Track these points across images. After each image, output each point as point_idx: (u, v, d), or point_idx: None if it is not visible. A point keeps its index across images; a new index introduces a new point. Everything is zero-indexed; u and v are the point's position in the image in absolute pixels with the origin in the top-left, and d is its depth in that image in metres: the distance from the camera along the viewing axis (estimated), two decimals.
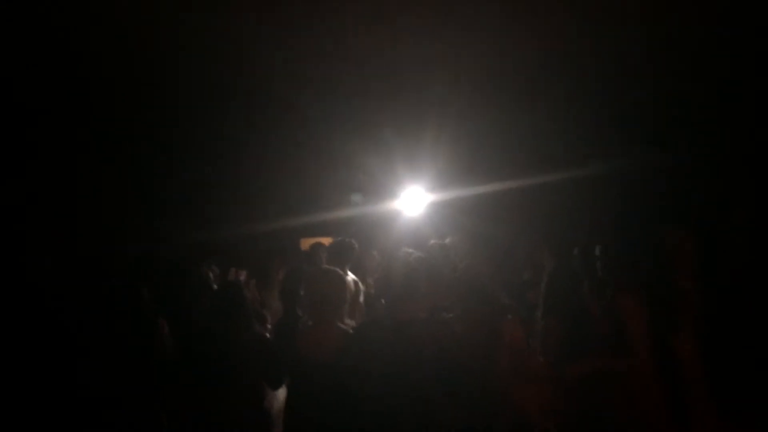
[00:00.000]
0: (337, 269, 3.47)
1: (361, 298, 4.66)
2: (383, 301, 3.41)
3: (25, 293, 3.72)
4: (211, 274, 4.91)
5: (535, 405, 3.62)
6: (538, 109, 7.42)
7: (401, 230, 7.85)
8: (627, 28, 5.75)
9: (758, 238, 4.10)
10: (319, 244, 4.97)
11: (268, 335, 3.53)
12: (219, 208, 8.20)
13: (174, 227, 7.59)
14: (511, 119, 7.66)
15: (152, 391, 3.34)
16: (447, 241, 5.20)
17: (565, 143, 7.81)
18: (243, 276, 5.12)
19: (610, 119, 7.67)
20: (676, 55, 6.22)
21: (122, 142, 7.68)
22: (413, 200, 8.43)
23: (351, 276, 4.53)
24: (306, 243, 7.19)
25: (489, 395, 3.39)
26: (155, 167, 8.11)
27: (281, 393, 3.52)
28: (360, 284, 4.71)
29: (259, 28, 5.65)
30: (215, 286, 4.30)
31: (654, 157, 7.38)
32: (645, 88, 6.98)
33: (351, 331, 3.31)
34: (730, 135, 7.15)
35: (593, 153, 7.54)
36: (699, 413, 3.33)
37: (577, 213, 7.50)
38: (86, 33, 5.27)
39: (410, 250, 3.42)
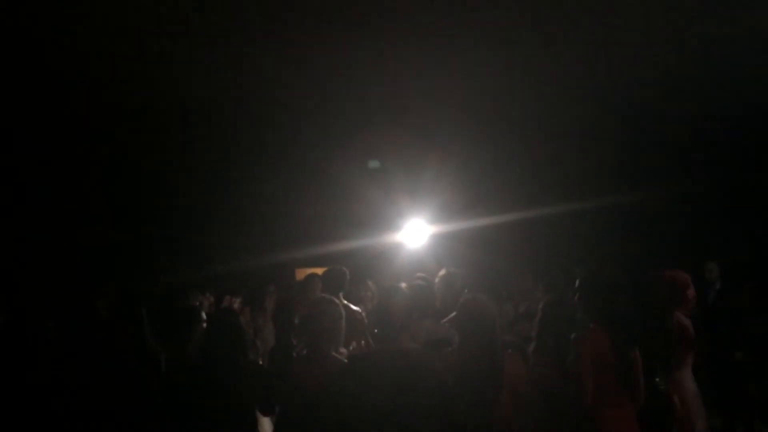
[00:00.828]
0: (333, 298, 3.47)
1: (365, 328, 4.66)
2: (376, 331, 3.39)
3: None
4: (205, 302, 4.91)
5: None
6: (538, 146, 7.51)
7: (402, 262, 7.86)
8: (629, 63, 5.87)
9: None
10: (314, 275, 4.97)
11: (260, 362, 3.51)
12: (216, 238, 8.23)
13: (170, 258, 7.62)
14: (513, 154, 7.74)
15: (148, 417, 3.31)
16: (446, 272, 5.20)
17: (565, 179, 7.88)
18: (237, 303, 5.11)
19: (616, 156, 7.74)
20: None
21: (112, 172, 7.72)
22: (414, 232, 8.45)
23: (354, 307, 4.53)
24: (301, 273, 7.20)
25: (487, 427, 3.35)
26: (151, 198, 8.16)
27: (270, 422, 3.50)
28: (362, 313, 4.70)
29: (260, 59, 5.74)
30: (206, 314, 4.28)
31: (654, 193, 7.43)
32: (640, 130, 7.09)
33: (345, 360, 3.29)
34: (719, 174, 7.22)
35: (592, 188, 7.61)
36: None
37: (573, 247, 7.53)
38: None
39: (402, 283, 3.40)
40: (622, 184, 7.67)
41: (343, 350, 3.38)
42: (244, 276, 6.56)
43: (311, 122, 7.14)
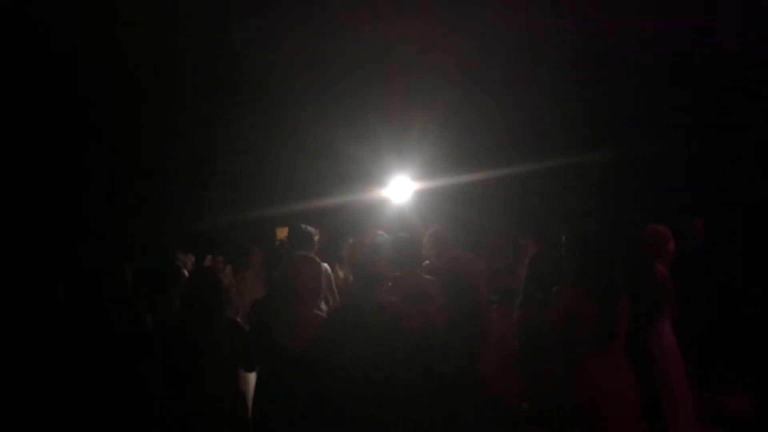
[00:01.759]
0: (312, 255, 3.43)
1: (333, 286, 4.65)
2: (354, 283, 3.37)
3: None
4: (188, 261, 4.86)
5: (515, 392, 3.60)
6: (524, 98, 7.42)
7: (386, 218, 7.81)
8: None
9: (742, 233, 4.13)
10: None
11: (239, 320, 3.49)
12: (198, 195, 8.14)
13: (153, 219, 7.54)
14: (498, 108, 7.65)
15: (131, 373, 3.30)
16: (435, 229, 5.17)
17: (549, 133, 7.83)
18: (219, 262, 5.06)
19: (598, 110, 7.68)
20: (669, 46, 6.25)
21: (97, 131, 7.60)
22: (399, 188, 8.40)
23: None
24: (281, 232, 7.14)
25: (471, 386, 3.35)
26: (134, 158, 8.03)
27: (253, 377, 3.49)
28: (329, 270, 4.68)
29: (248, 12, 5.60)
30: (188, 273, 4.24)
31: (639, 149, 7.41)
32: (631, 79, 7.00)
33: (326, 316, 3.28)
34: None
35: (576, 143, 7.56)
36: (675, 405, 3.32)
37: (562, 202, 7.52)
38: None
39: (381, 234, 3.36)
40: (610, 138, 7.62)
41: (323, 306, 3.36)
42: (226, 234, 6.50)
43: (296, 77, 7.01)
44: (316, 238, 4.62)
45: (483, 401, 3.33)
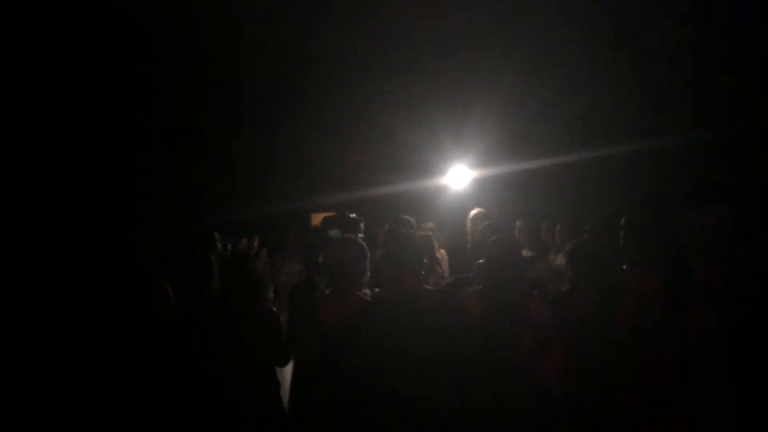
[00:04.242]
0: (357, 238, 3.52)
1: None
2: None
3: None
4: (220, 246, 4.95)
5: (553, 379, 3.63)
6: (580, 88, 7.30)
7: (445, 205, 7.85)
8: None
9: None
10: (334, 216, 4.98)
11: (274, 308, 3.56)
12: (252, 181, 8.33)
13: (191, 204, 7.74)
14: (559, 96, 7.55)
15: (165, 365, 3.36)
16: (476, 213, 5.29)
17: (607, 121, 7.66)
18: (255, 243, 5.14)
19: (652, 98, 7.47)
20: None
21: (134, 113, 7.81)
22: (458, 176, 8.42)
23: None
24: (315, 218, 7.21)
25: (508, 372, 3.40)
26: (176, 145, 8.25)
27: (289, 368, 3.59)
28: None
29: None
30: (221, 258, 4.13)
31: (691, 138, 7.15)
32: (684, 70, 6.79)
33: (368, 299, 3.35)
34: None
35: (642, 130, 7.37)
36: (705, 396, 3.28)
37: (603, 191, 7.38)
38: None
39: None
40: (674, 126, 7.40)
41: (366, 291, 3.44)
42: (275, 220, 6.61)
43: (352, 63, 7.10)
44: (362, 225, 4.73)
45: (519, 388, 3.39)
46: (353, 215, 4.64)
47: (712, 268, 3.63)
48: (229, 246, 5.13)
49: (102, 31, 6.12)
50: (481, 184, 8.35)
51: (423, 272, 3.34)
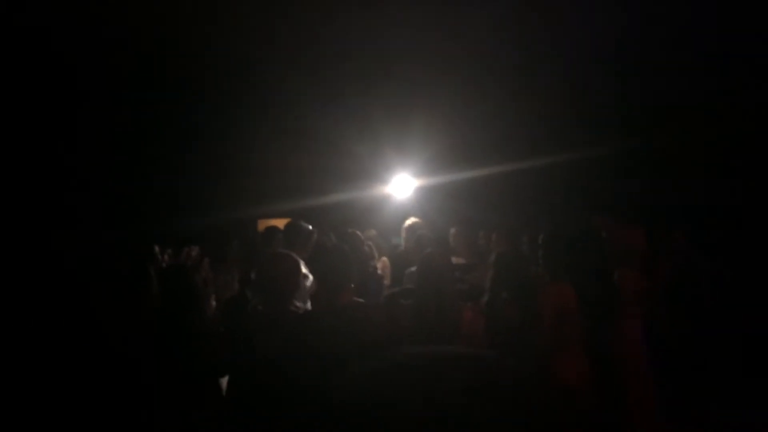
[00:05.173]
0: (291, 253, 3.52)
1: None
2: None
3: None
4: (165, 257, 4.92)
5: None
6: (526, 98, 7.48)
7: (388, 215, 7.94)
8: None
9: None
10: (274, 227, 4.95)
11: (212, 320, 3.56)
12: (193, 193, 8.26)
13: (131, 213, 7.62)
14: (500, 106, 7.71)
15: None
16: (410, 224, 5.41)
17: (553, 131, 7.87)
18: (195, 252, 5.10)
19: (604, 107, 7.70)
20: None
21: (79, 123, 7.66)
22: (401, 185, 8.52)
23: None
24: (263, 224, 7.16)
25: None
26: (116, 151, 8.10)
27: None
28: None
29: (245, 7, 5.71)
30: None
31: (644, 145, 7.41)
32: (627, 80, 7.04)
33: (300, 314, 3.35)
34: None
35: (581, 140, 7.58)
36: (637, 407, 3.41)
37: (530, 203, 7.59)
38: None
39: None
40: (611, 136, 7.64)
41: (299, 304, 3.46)
42: (217, 230, 6.57)
43: (292, 71, 7.11)
44: (314, 237, 4.56)
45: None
46: (306, 225, 4.53)
47: (641, 277, 3.80)
48: (166, 257, 5.08)
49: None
50: (423, 193, 8.46)
51: (352, 285, 3.37)
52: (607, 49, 6.70)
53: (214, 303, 4.32)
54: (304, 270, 3.49)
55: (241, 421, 3.31)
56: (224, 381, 3.61)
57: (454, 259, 4.85)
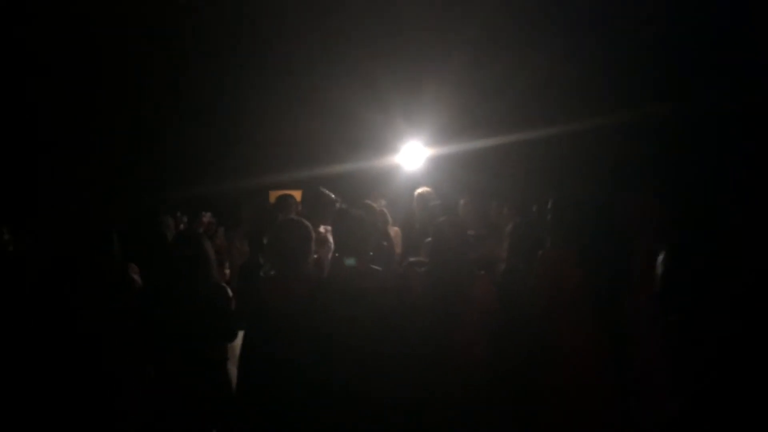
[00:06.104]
0: (304, 221, 3.52)
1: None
2: (336, 254, 3.48)
3: None
4: (180, 223, 4.94)
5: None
6: (538, 66, 7.35)
7: (398, 184, 7.89)
8: None
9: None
10: (287, 195, 4.92)
11: (224, 285, 3.57)
12: (204, 160, 8.25)
13: (147, 181, 7.64)
14: (512, 74, 7.60)
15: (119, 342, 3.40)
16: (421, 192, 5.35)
17: (564, 100, 7.73)
18: (207, 218, 5.11)
19: (618, 75, 7.54)
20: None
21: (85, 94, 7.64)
22: (411, 154, 8.45)
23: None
24: (273, 195, 7.17)
25: (449, 350, 3.47)
26: (130, 117, 8.08)
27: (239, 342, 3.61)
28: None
29: None
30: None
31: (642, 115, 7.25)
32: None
33: (314, 282, 3.38)
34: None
35: (593, 109, 7.45)
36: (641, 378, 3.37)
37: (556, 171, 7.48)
38: None
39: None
40: (623, 105, 7.50)
41: (313, 272, 3.47)
42: (232, 199, 6.57)
43: (307, 41, 7.03)
44: (336, 205, 4.50)
45: (463, 366, 3.47)
46: (328, 193, 4.46)
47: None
48: (182, 225, 5.12)
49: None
50: (434, 163, 8.39)
51: (371, 253, 3.37)
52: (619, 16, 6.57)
53: (228, 271, 4.35)
54: (329, 238, 3.49)
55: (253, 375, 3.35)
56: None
57: None
